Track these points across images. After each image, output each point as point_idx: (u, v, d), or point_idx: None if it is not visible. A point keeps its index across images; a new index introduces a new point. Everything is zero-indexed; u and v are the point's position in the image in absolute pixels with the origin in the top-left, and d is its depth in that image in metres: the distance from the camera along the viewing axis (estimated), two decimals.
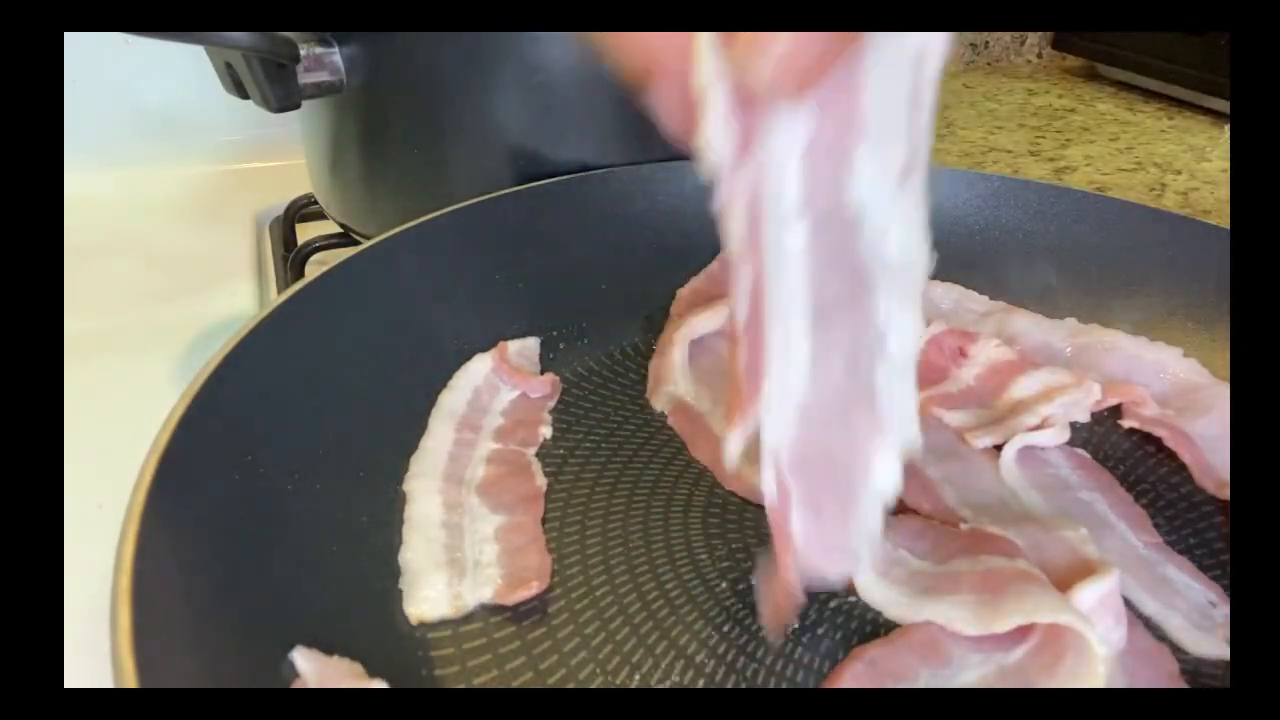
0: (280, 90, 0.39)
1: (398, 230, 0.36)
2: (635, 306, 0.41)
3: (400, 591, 0.27)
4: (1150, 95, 0.85)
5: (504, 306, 0.38)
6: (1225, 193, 0.64)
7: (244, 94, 0.39)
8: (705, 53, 0.21)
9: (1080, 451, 0.34)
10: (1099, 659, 0.24)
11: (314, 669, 0.22)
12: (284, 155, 0.64)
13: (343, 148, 0.45)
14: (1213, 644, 0.27)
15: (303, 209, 0.55)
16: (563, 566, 0.29)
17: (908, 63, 0.23)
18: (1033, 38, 0.97)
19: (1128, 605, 0.27)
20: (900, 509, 0.31)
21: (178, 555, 0.22)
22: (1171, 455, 0.34)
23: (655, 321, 0.41)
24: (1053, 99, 0.85)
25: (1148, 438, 0.35)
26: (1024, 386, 0.36)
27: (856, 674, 0.25)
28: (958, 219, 0.44)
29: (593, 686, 0.25)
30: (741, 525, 0.31)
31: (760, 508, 0.31)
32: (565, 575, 0.29)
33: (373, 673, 0.23)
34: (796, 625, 0.27)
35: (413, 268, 0.36)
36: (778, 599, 0.26)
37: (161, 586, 0.20)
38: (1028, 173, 0.67)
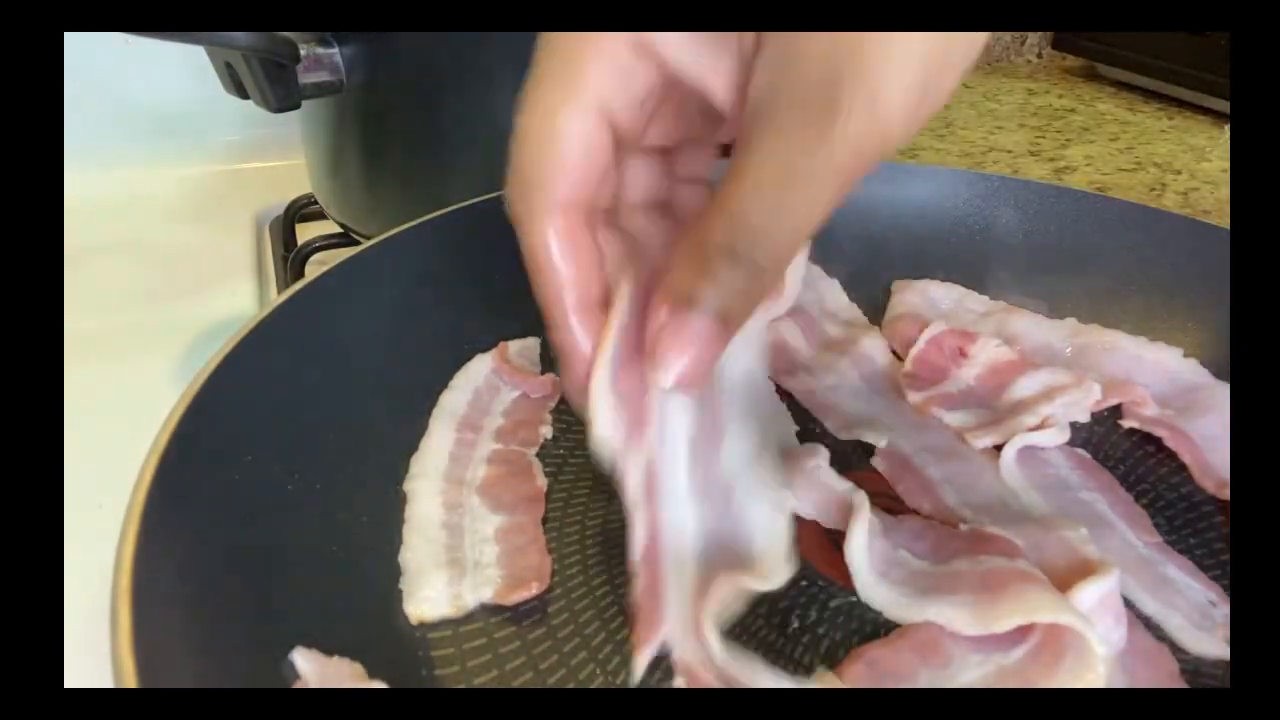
0: (280, 90, 0.39)
1: (398, 230, 0.36)
2: None
3: (400, 591, 0.27)
4: (1150, 95, 0.85)
5: (504, 306, 0.38)
6: (1225, 193, 0.64)
7: (244, 94, 0.39)
8: (599, 366, 0.25)
9: (1080, 451, 0.34)
10: (1099, 659, 0.24)
11: (314, 669, 0.22)
12: (284, 155, 0.64)
13: (343, 148, 0.45)
14: (1213, 644, 0.27)
15: (303, 209, 0.55)
16: (563, 566, 0.29)
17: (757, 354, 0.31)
18: (1033, 38, 0.97)
19: (1128, 605, 0.27)
20: (900, 509, 0.31)
21: (178, 555, 0.22)
22: (1171, 455, 0.34)
23: None
24: (1053, 99, 0.85)
25: (1148, 438, 0.35)
26: (1024, 386, 0.36)
27: (856, 674, 0.25)
28: (958, 219, 0.44)
29: (593, 686, 0.25)
30: None
31: None
32: (565, 575, 0.29)
33: (373, 673, 0.23)
34: (796, 625, 0.27)
35: (413, 268, 0.36)
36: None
37: (161, 586, 0.20)
38: (1028, 173, 0.67)
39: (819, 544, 0.30)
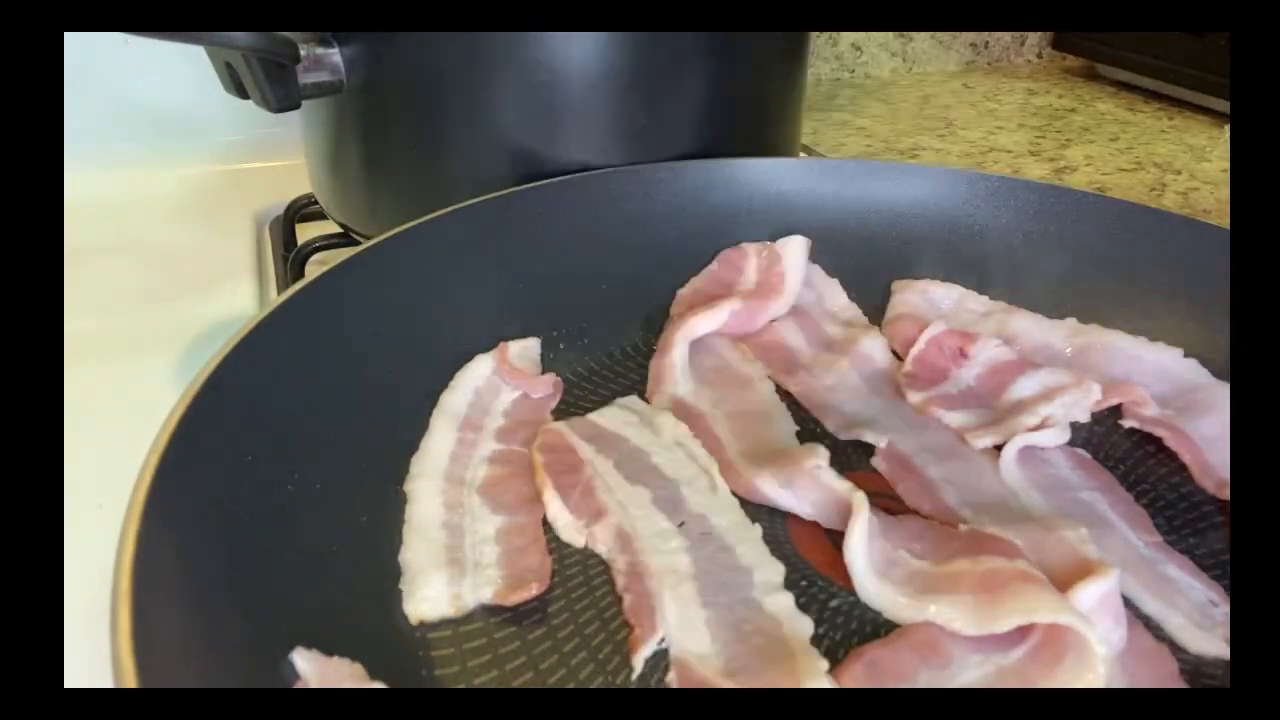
0: (280, 90, 0.39)
1: (398, 230, 0.36)
2: (635, 306, 0.41)
3: (400, 591, 0.27)
4: (1150, 95, 0.85)
5: (504, 306, 0.38)
6: (1225, 193, 0.64)
7: (244, 94, 0.39)
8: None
9: (1080, 451, 0.34)
10: (1099, 659, 0.24)
11: (314, 670, 0.22)
12: (284, 155, 0.64)
13: (343, 148, 0.45)
14: (1214, 643, 0.27)
15: (303, 209, 0.55)
16: (563, 567, 0.29)
17: None
18: (1033, 38, 0.97)
19: (1128, 605, 0.27)
20: (900, 509, 0.31)
21: (178, 555, 0.22)
22: (1171, 455, 0.34)
23: (655, 321, 0.41)
24: (1053, 99, 0.85)
25: (1148, 438, 0.35)
26: (1024, 386, 0.36)
27: (856, 674, 0.25)
28: (958, 219, 0.44)
29: (593, 686, 0.25)
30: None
31: (760, 507, 0.31)
32: (565, 575, 0.29)
33: (373, 673, 0.23)
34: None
35: (413, 268, 0.36)
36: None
37: (161, 586, 0.20)
38: (1028, 173, 0.67)
39: (819, 544, 0.30)
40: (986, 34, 0.94)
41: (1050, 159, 0.70)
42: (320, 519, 0.27)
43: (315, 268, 0.45)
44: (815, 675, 0.24)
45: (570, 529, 0.30)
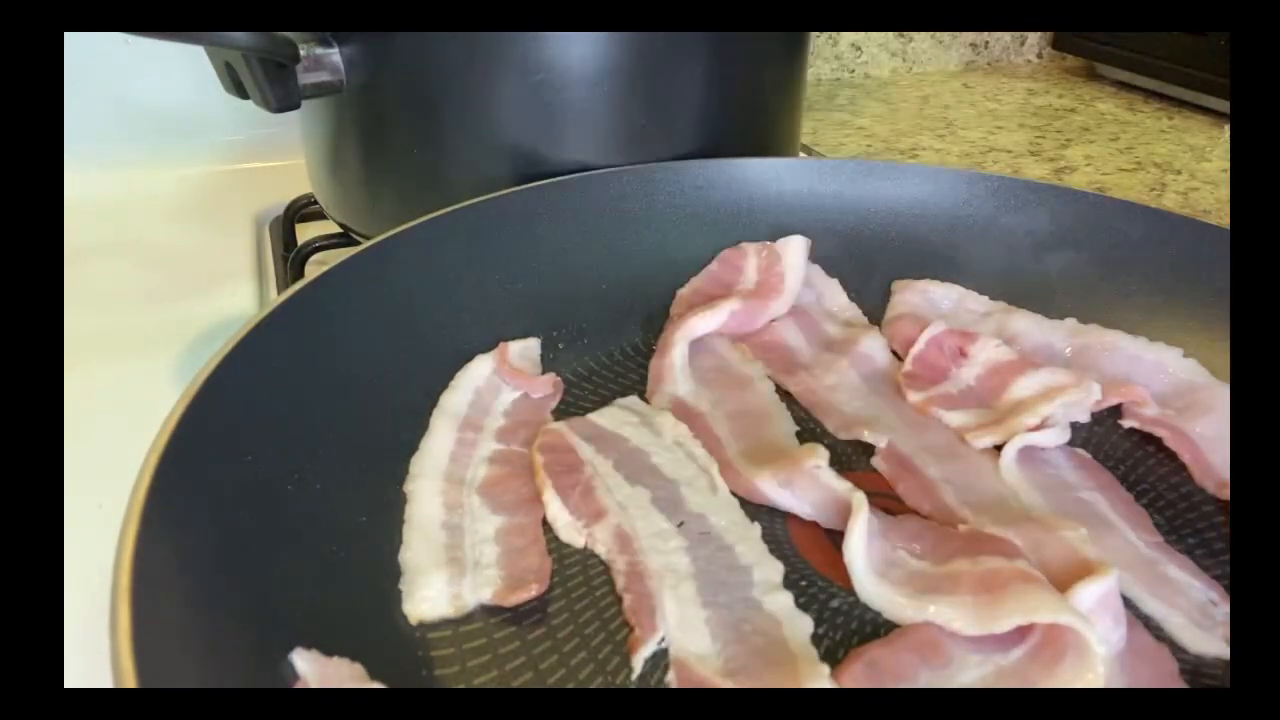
0: (280, 90, 0.39)
1: (398, 230, 0.36)
2: (635, 306, 0.41)
3: (400, 591, 0.27)
4: (1150, 95, 0.85)
5: (504, 307, 0.38)
6: (1225, 193, 0.64)
7: (244, 94, 0.39)
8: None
9: (1080, 451, 0.34)
10: (1098, 659, 0.24)
11: (314, 670, 0.22)
12: (284, 155, 0.64)
13: (342, 148, 0.45)
14: (1214, 642, 0.27)
15: (303, 209, 0.55)
16: (562, 567, 0.29)
17: None
18: (1033, 38, 0.97)
19: (1128, 604, 0.27)
20: (900, 509, 0.31)
21: (178, 555, 0.22)
22: (1171, 455, 0.34)
23: (655, 321, 0.41)
24: (1053, 99, 0.85)
25: (1148, 438, 0.35)
26: (1024, 386, 0.36)
27: (855, 674, 0.25)
28: (958, 219, 0.44)
29: (593, 686, 0.25)
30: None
31: (760, 508, 0.31)
32: (565, 575, 0.29)
33: (372, 673, 0.23)
34: None
35: (413, 268, 0.36)
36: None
37: (161, 587, 0.20)
38: (1028, 173, 0.67)
39: (818, 544, 0.30)
40: (986, 34, 0.94)
41: (1050, 159, 0.70)
42: (320, 519, 0.27)
43: (315, 268, 0.45)
44: (815, 675, 0.24)
45: (570, 529, 0.30)
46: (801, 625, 0.27)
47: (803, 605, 0.27)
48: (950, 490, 0.32)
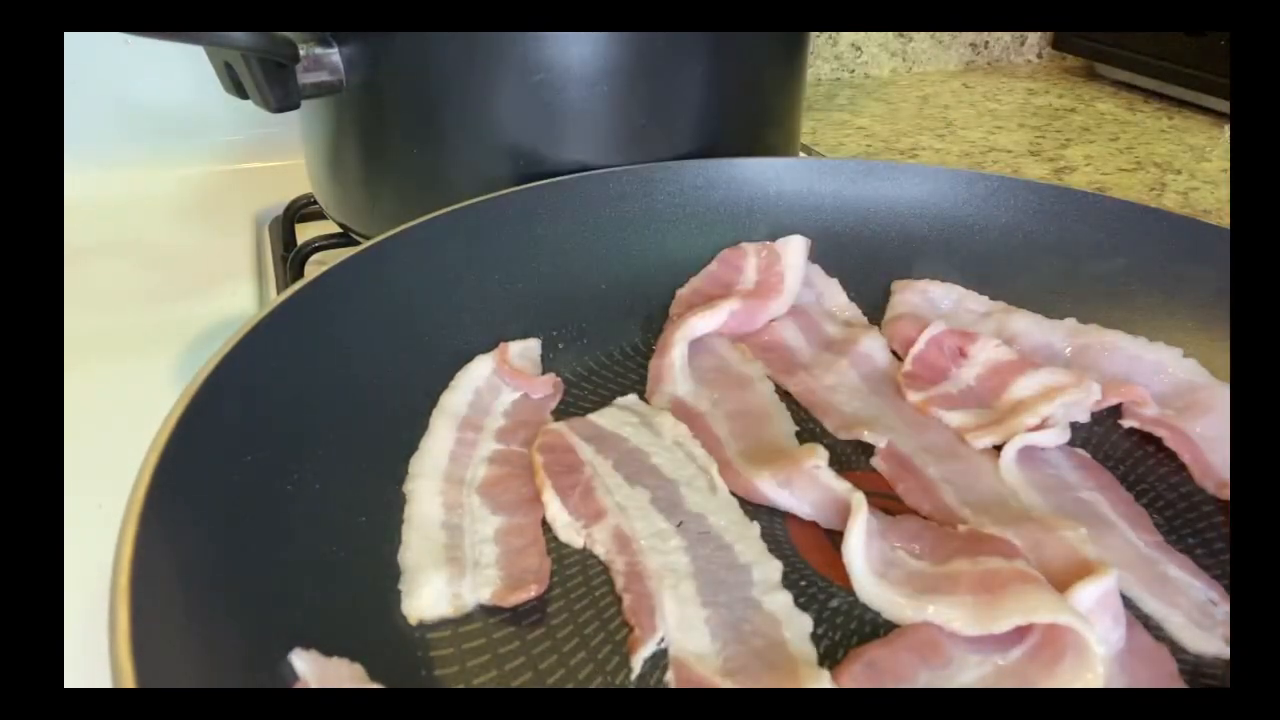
0: (280, 90, 0.39)
1: (398, 230, 0.36)
2: (635, 306, 0.41)
3: (399, 591, 0.27)
4: (1150, 95, 0.85)
5: (504, 307, 0.38)
6: (1225, 193, 0.64)
7: (244, 94, 0.39)
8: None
9: (1080, 451, 0.34)
10: (1098, 659, 0.24)
11: (313, 670, 0.22)
12: (284, 155, 0.64)
13: (342, 148, 0.45)
14: (1213, 642, 0.27)
15: (302, 209, 0.55)
16: (562, 567, 0.29)
17: None
18: (1033, 38, 0.97)
19: (1128, 604, 0.27)
20: (900, 509, 0.31)
21: (177, 555, 0.22)
22: (1171, 455, 0.34)
23: (655, 321, 0.41)
24: (1053, 99, 0.85)
25: (1148, 438, 0.35)
26: (1024, 386, 0.36)
27: (855, 674, 0.25)
28: (958, 219, 0.44)
29: (592, 686, 0.25)
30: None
31: (759, 507, 0.31)
32: (565, 576, 0.29)
33: (372, 673, 0.23)
34: None
35: (413, 268, 0.36)
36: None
37: (161, 587, 0.20)
38: (1028, 173, 0.67)
39: (818, 544, 0.30)
40: (986, 34, 0.94)
41: (1050, 159, 0.70)
42: (319, 519, 0.27)
43: (315, 268, 0.45)
44: (814, 675, 0.24)
45: (569, 530, 0.30)
46: (801, 625, 0.27)
47: (802, 605, 0.27)
48: (950, 490, 0.32)
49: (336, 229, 0.49)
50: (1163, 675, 0.25)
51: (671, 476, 0.32)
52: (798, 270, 0.42)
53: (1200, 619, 0.27)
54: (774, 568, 0.29)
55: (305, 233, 0.52)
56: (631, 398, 0.37)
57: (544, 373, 0.38)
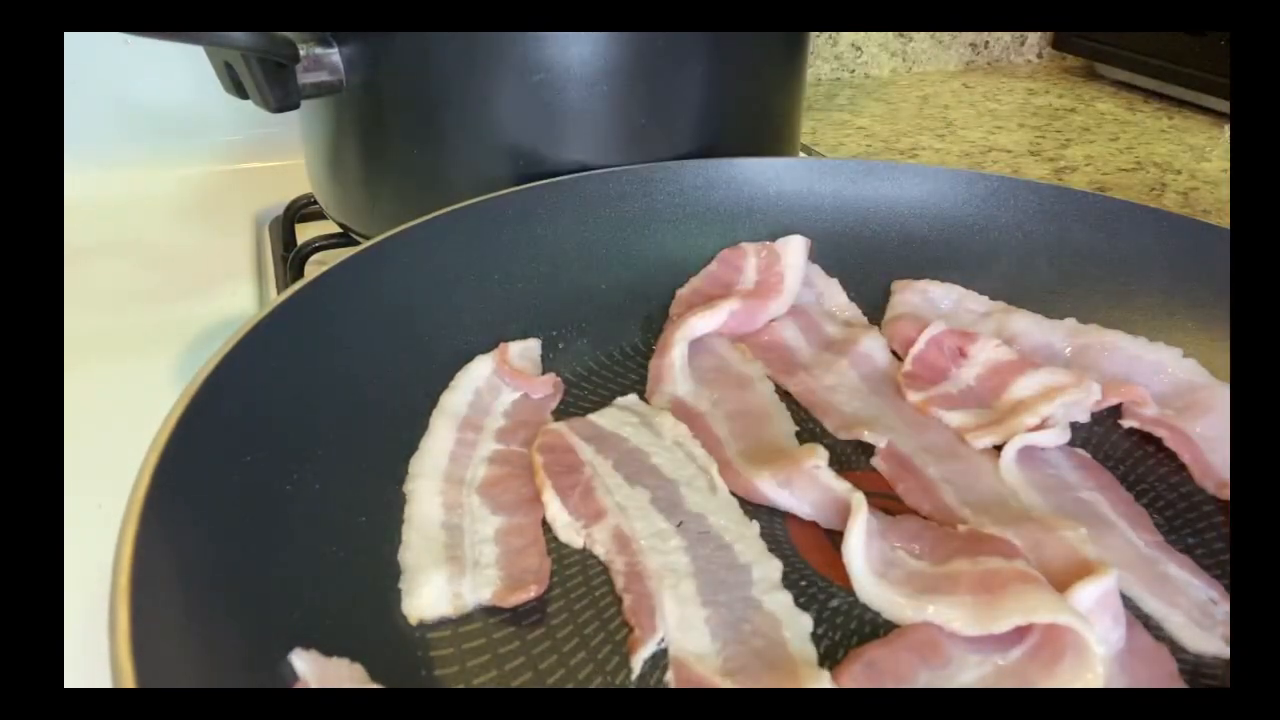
0: (280, 90, 0.39)
1: (398, 230, 0.36)
2: (635, 306, 0.41)
3: (399, 591, 0.27)
4: (1150, 95, 0.85)
5: (504, 307, 0.38)
6: (1225, 193, 0.64)
7: (243, 94, 0.39)
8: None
9: (1080, 451, 0.34)
10: (1097, 659, 0.24)
11: (313, 670, 0.22)
12: (284, 155, 0.64)
13: (342, 148, 0.45)
14: (1213, 642, 0.27)
15: (302, 209, 0.55)
16: (562, 567, 0.29)
17: None
18: (1033, 38, 0.97)
19: (1128, 604, 0.27)
20: (900, 509, 0.31)
21: (177, 555, 0.22)
22: (1171, 455, 0.34)
23: (655, 321, 0.41)
24: (1053, 99, 0.85)
25: (1148, 438, 0.35)
26: (1024, 386, 0.36)
27: (855, 674, 0.25)
28: (958, 219, 0.44)
29: (592, 686, 0.25)
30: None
31: (759, 507, 0.31)
32: (565, 576, 0.29)
33: (372, 673, 0.23)
34: None
35: (413, 268, 0.36)
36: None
37: (161, 587, 0.20)
38: (1028, 173, 0.67)
39: (818, 544, 0.30)
40: (986, 34, 0.94)
41: (1050, 159, 0.70)
42: (319, 519, 0.27)
43: (315, 268, 0.45)
44: (814, 675, 0.24)
45: (569, 530, 0.30)
46: (801, 625, 0.27)
47: (802, 605, 0.27)
48: (950, 490, 0.32)
49: (336, 229, 0.49)
50: (1163, 675, 0.25)
51: (671, 476, 0.32)
52: (798, 270, 0.42)
53: (1200, 619, 0.27)
54: (774, 567, 0.29)
55: (305, 233, 0.52)
56: (631, 398, 0.37)
57: (544, 373, 0.38)
